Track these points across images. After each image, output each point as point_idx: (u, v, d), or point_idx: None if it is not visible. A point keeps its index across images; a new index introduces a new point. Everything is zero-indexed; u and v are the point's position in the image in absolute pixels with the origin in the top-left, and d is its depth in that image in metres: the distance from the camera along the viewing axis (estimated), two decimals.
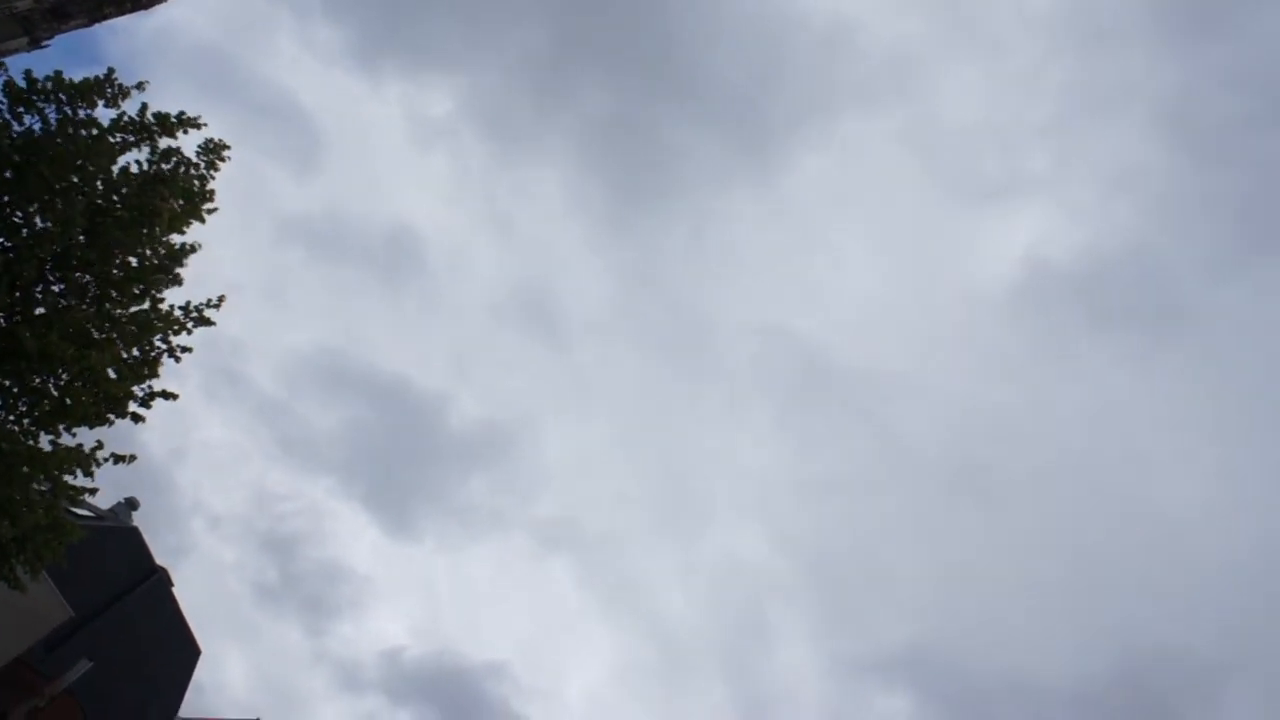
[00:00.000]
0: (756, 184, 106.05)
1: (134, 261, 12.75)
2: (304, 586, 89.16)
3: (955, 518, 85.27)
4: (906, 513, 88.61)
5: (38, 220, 12.15)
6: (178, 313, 14.06)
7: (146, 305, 13.43)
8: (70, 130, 12.70)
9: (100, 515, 33.10)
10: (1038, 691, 61.02)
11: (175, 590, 36.23)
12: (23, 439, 12.37)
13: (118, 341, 12.70)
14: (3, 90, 12.81)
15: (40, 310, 12.29)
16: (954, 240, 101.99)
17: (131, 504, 34.42)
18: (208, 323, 14.72)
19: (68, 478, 12.84)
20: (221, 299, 14.80)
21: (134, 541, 33.35)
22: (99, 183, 12.81)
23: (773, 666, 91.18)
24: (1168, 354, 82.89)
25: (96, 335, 12.21)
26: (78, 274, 11.92)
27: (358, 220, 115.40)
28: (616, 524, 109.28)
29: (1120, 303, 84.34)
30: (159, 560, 35.78)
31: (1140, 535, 74.98)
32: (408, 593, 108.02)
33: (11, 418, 12.46)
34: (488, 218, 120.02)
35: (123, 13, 30.89)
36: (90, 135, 12.74)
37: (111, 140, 13.08)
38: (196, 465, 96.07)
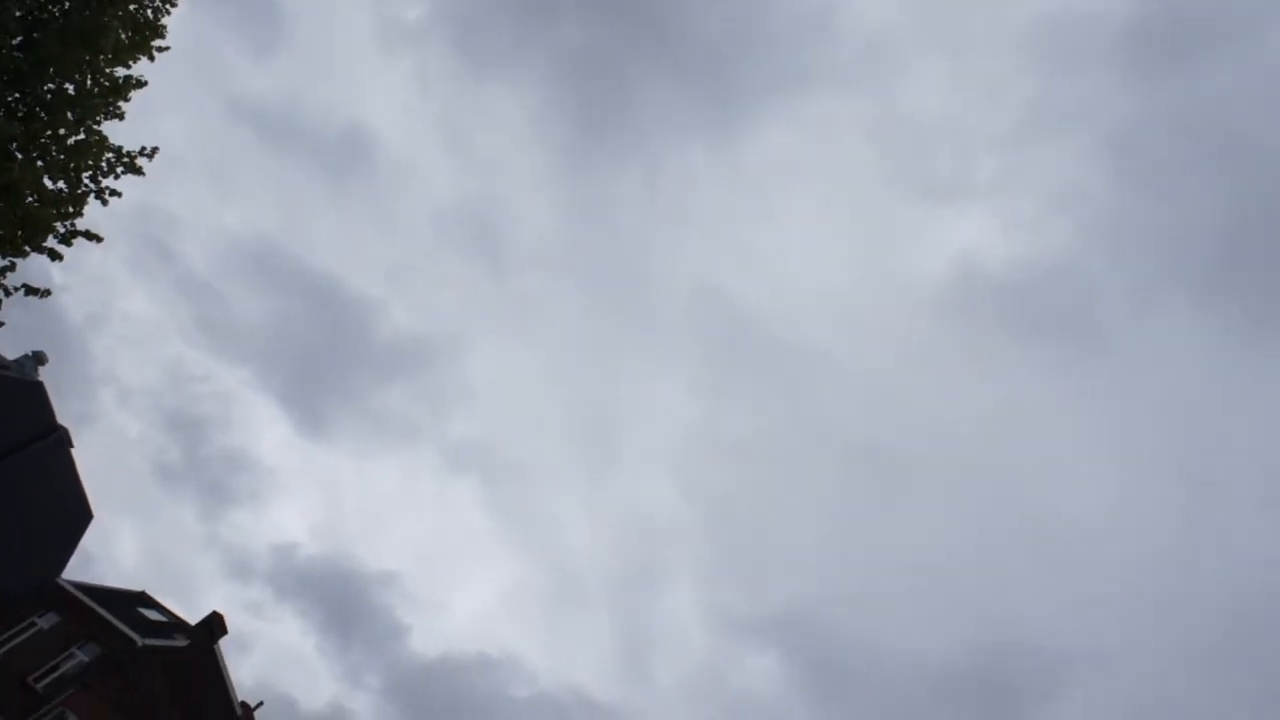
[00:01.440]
0: (716, 145, 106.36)
1: (71, 89, 12.30)
2: (206, 471, 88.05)
3: (854, 497, 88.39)
4: (808, 485, 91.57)
5: None
6: (109, 155, 13.67)
7: (82, 135, 12.95)
8: None
9: (4, 365, 32.17)
10: (899, 667, 64.45)
11: (74, 452, 35.57)
12: None
13: (40, 165, 12.26)
14: None
15: None
16: (895, 232, 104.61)
17: (39, 358, 33.46)
18: (137, 171, 14.31)
19: None
20: (155, 150, 14.39)
21: (37, 396, 32.52)
22: None
23: (659, 611, 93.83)
24: (1080, 371, 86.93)
25: (19, 155, 11.75)
26: (7, 89, 11.41)
27: (312, 112, 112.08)
28: (529, 453, 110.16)
29: (1042, 316, 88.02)
30: (61, 420, 35.03)
31: (1026, 538, 78.78)
32: (310, 492, 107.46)
33: None
34: (445, 132, 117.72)
35: None
36: None
37: None
38: (113, 335, 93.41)
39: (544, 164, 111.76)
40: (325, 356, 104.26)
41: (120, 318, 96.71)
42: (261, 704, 31.18)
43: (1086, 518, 75.41)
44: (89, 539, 36.78)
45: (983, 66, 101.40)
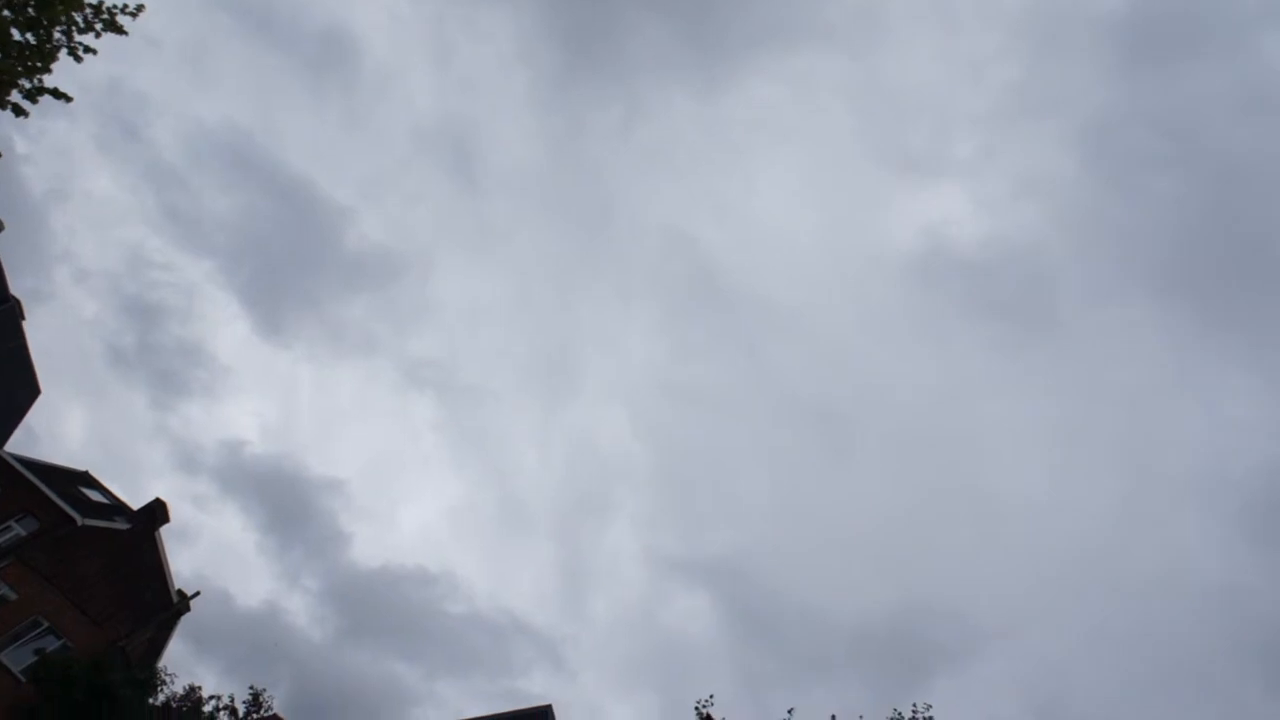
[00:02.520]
0: (699, 91, 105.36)
1: None
2: (160, 360, 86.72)
3: (799, 453, 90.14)
4: (757, 437, 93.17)
5: None
6: (88, 7, 13.07)
7: None
8: None
9: None
10: (822, 622, 66.73)
11: (25, 325, 34.82)
12: None
13: (7, 14, 11.66)
14: None
15: None
16: (868, 199, 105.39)
17: None
18: (118, 30, 13.72)
19: None
20: (140, 8, 13.82)
21: None
22: None
23: (601, 545, 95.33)
24: (1033, 353, 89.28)
25: None
26: None
27: (299, 8, 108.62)
28: (487, 378, 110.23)
29: (1002, 296, 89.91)
30: (14, 291, 34.21)
31: (961, 509, 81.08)
32: (264, 394, 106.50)
33: None
34: (432, 45, 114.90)
35: None
36: None
37: None
38: (74, 213, 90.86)
39: (527, 89, 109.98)
40: (291, 260, 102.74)
41: (83, 195, 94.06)
42: (198, 594, 31.20)
43: (1022, 495, 77.68)
44: (35, 416, 36.22)
45: (969, 44, 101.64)
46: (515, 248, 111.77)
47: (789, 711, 21.36)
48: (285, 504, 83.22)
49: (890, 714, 20.84)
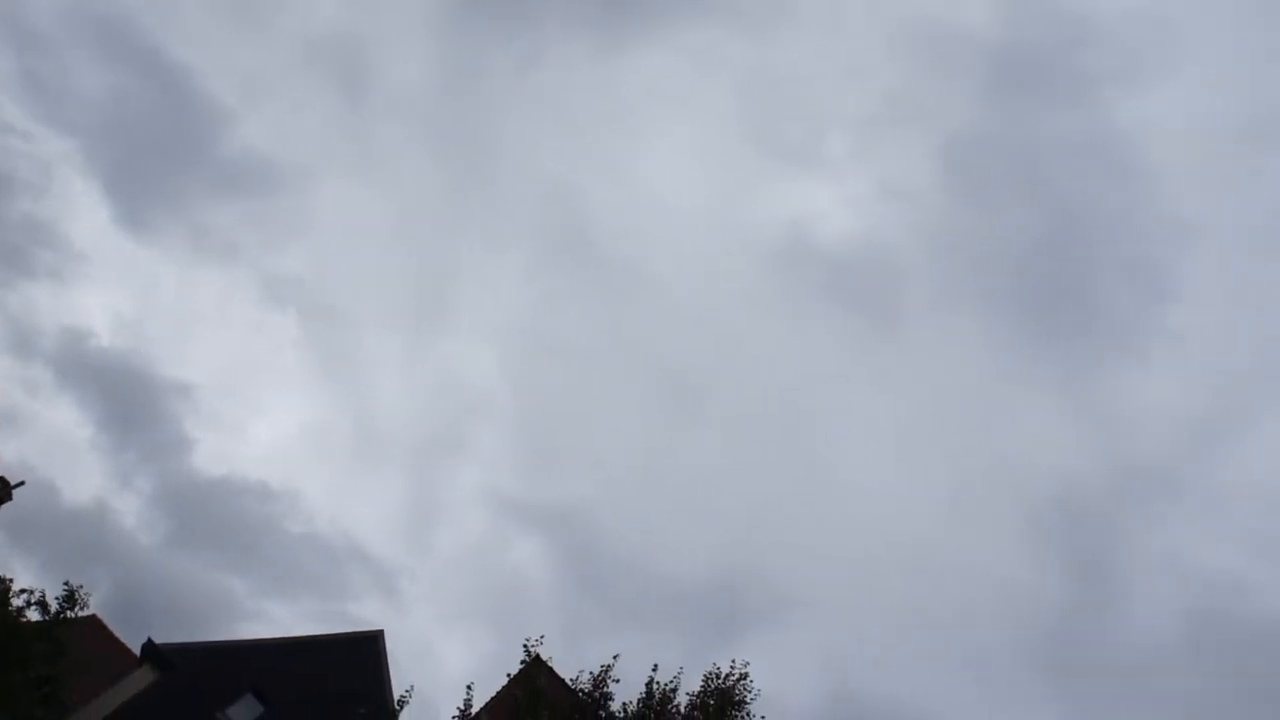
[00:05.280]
0: (601, 49, 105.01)
1: None
2: (5, 233, 79.44)
3: (651, 415, 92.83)
4: (612, 396, 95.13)
5: None
6: None
7: None
8: None
9: None
10: (649, 575, 69.79)
11: None
12: None
13: None
14: None
15: None
16: (743, 185, 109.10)
17: None
18: None
19: None
20: None
21: None
22: None
23: (452, 480, 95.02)
24: (880, 350, 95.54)
25: None
26: None
27: None
28: (355, 302, 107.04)
29: (856, 292, 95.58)
30: None
31: (799, 487, 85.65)
32: (117, 287, 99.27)
33: None
34: None
35: None
36: None
37: None
38: None
39: (427, 15, 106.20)
40: (161, 154, 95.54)
41: None
42: (23, 483, 29.59)
43: (858, 480, 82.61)
44: None
45: (856, 45, 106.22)
46: (397, 175, 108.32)
47: (614, 657, 22.42)
48: (127, 402, 78.58)
49: (709, 668, 22.25)
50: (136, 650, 28.30)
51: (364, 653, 29.97)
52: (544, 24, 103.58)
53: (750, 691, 21.86)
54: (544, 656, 23.20)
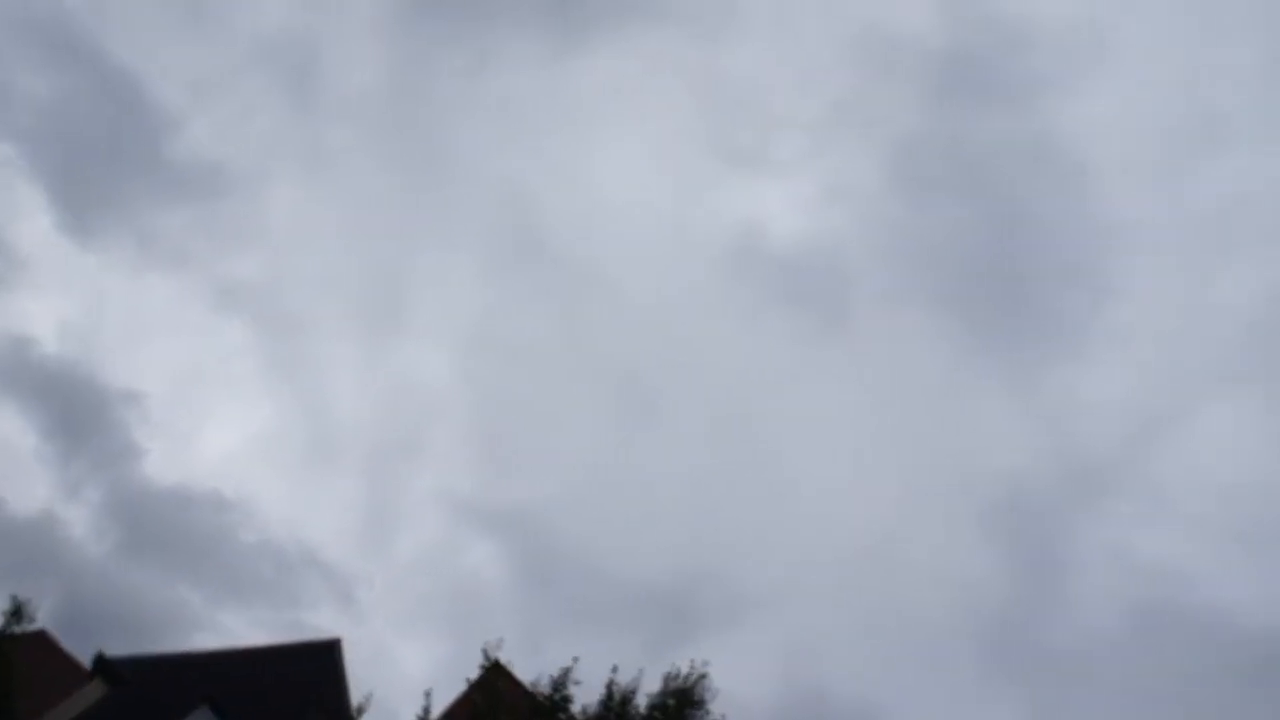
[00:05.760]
0: (553, 51, 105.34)
1: None
2: None
3: (606, 417, 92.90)
4: (567, 398, 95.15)
5: None
6: None
7: None
8: None
9: None
10: (607, 577, 69.75)
11: None
12: None
13: None
14: None
15: None
16: (695, 187, 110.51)
17: None
18: None
19: None
20: None
21: None
22: None
23: (409, 485, 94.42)
24: (828, 350, 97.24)
25: None
26: None
27: None
28: (309, 307, 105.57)
29: (805, 293, 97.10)
30: None
31: (753, 488, 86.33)
32: (63, 294, 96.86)
33: None
34: None
35: None
36: None
37: None
38: None
39: (378, 12, 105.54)
40: (108, 157, 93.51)
41: None
42: None
43: (813, 481, 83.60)
44: None
45: (808, 48, 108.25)
46: (349, 178, 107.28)
47: (573, 660, 22.54)
48: (74, 410, 76.70)
49: (668, 668, 22.44)
50: (87, 664, 27.81)
51: (321, 661, 29.73)
52: (495, 26, 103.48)
53: (710, 691, 22.12)
54: (503, 661, 23.24)
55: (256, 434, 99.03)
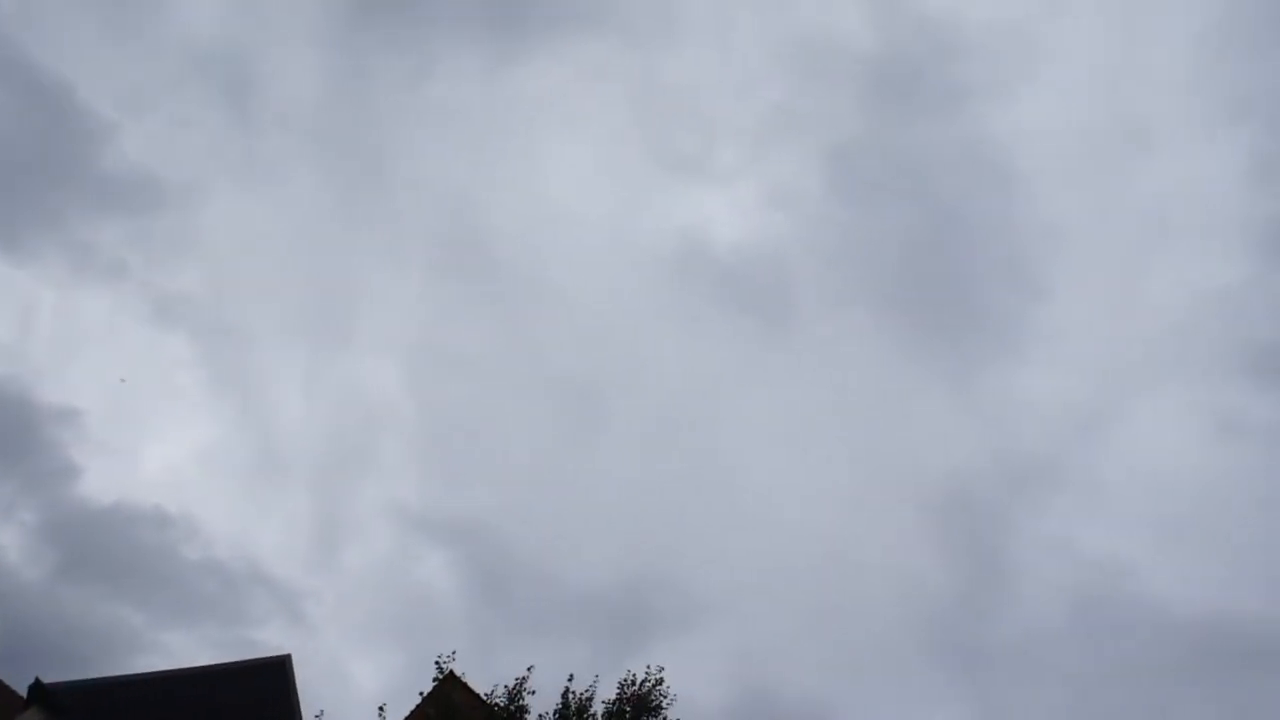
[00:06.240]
0: (493, 60, 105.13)
1: None
2: None
3: (554, 425, 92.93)
4: (515, 407, 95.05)
5: None
6: None
7: None
8: None
9: None
10: (559, 584, 69.75)
11: None
12: None
13: None
14: None
15: None
16: (637, 194, 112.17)
17: None
18: None
19: None
20: None
21: None
22: None
23: (357, 498, 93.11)
24: (773, 353, 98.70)
25: None
26: None
27: None
28: (251, 320, 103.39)
29: (748, 297, 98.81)
30: None
31: (703, 492, 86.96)
32: None
33: None
34: None
35: None
36: None
37: None
38: None
39: (315, 22, 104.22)
40: (36, 169, 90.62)
41: None
42: None
43: (761, 484, 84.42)
44: None
45: (747, 55, 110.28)
46: (289, 189, 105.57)
47: (528, 669, 22.53)
48: (6, 430, 74.14)
49: (623, 675, 22.56)
50: (23, 692, 26.92)
51: (271, 679, 29.17)
52: (433, 36, 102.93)
53: (667, 696, 22.30)
54: (457, 672, 23.13)
55: (199, 449, 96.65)
